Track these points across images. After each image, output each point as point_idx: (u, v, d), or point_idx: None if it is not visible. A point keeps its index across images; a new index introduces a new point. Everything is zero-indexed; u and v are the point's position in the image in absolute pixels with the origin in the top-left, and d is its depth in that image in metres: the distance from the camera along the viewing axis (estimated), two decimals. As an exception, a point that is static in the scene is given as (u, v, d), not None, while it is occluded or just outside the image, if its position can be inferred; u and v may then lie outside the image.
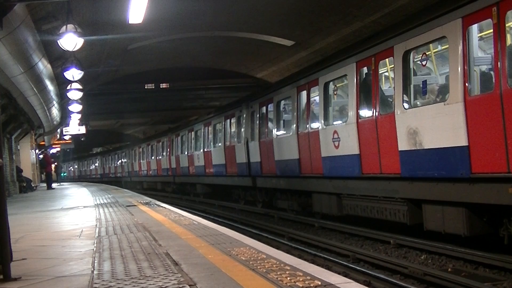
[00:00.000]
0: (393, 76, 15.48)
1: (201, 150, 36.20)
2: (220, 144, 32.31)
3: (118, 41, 30.90)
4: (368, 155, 16.41)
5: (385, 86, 17.33)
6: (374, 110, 16.00)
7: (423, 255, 14.08)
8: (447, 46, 13.41)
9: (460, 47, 12.53)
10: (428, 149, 13.68)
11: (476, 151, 12.17)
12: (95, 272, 7.36)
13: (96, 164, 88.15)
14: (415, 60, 15.37)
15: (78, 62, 24.83)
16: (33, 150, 50.45)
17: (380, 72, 16.56)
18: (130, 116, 60.90)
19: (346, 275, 11.48)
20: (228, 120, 30.78)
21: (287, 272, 6.56)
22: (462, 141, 12.46)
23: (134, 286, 6.33)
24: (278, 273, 6.56)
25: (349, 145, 17.30)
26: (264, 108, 25.36)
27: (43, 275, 7.42)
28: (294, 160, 21.50)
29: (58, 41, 20.10)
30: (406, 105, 14.60)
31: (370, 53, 16.29)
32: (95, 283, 6.61)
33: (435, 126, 13.37)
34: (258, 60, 39.93)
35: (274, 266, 7.01)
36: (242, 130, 27.94)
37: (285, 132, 23.09)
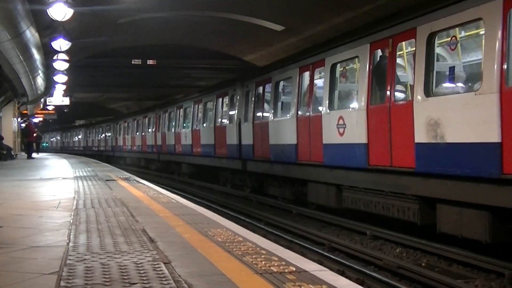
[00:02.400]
0: (412, 61, 14.14)
1: (189, 129, 34.90)
2: (210, 124, 30.94)
3: (108, 14, 30.70)
4: (377, 146, 15.12)
5: (402, 71, 16.03)
6: (388, 97, 14.67)
7: (398, 248, 14.13)
8: (483, 29, 12.15)
9: (499, 31, 11.18)
10: (451, 143, 12.38)
11: (510, 149, 10.96)
12: (71, 244, 7.36)
13: (80, 136, 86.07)
14: (442, 43, 14.22)
15: (67, 33, 24.75)
16: (15, 119, 50.23)
17: (397, 55, 15.08)
18: (116, 90, 60.88)
19: (321, 263, 11.48)
20: (220, 99, 29.53)
21: (263, 257, 6.57)
22: (494, 137, 11.18)
23: (109, 260, 6.33)
24: (254, 256, 6.57)
25: (356, 133, 16.02)
26: (260, 88, 24.01)
27: (18, 244, 7.42)
28: (291, 146, 20.21)
29: (47, 10, 20.01)
30: (427, 93, 13.18)
31: (387, 34, 14.87)
32: (70, 255, 6.60)
33: (461, 118, 12.05)
34: (247, 43, 39.85)
35: (250, 249, 7.02)
36: (235, 110, 26.60)
37: (283, 115, 21.73)
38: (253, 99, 24.55)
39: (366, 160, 15.55)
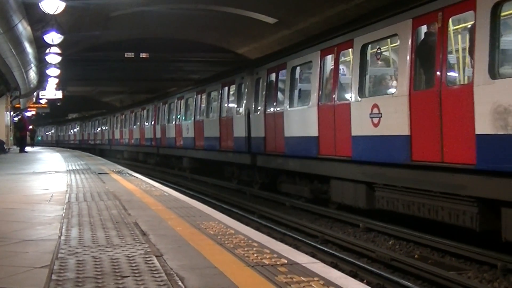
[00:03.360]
0: (471, 37, 12.12)
1: (192, 121, 32.43)
2: (214, 115, 28.74)
3: (100, 7, 30.63)
4: (423, 138, 12.95)
5: (456, 50, 13.66)
6: (439, 80, 12.49)
7: (391, 240, 14.12)
8: None
9: None
10: None
11: None
12: (63, 237, 7.35)
13: (75, 130, 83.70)
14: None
15: (59, 26, 24.69)
16: (7, 112, 50.12)
17: (449, 31, 12.88)
18: (108, 84, 60.78)
19: (313, 256, 11.48)
20: (226, 88, 27.25)
21: (255, 249, 6.57)
22: None
23: (100, 254, 6.32)
24: (246, 249, 6.57)
25: (395, 123, 13.86)
26: (273, 75, 21.76)
27: (10, 238, 7.40)
28: (311, 138, 18.02)
29: (39, 3, 19.94)
30: (493, 75, 11.04)
31: (436, 7, 12.70)
32: (62, 249, 6.59)
33: None
34: (240, 36, 39.81)
35: (242, 242, 7.02)
36: (244, 100, 24.45)
37: (301, 104, 19.58)
38: (264, 87, 22.40)
39: (408, 154, 13.41)
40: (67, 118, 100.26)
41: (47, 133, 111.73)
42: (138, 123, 48.32)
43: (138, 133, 47.65)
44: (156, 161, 43.79)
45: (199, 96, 31.52)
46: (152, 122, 43.16)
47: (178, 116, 36.21)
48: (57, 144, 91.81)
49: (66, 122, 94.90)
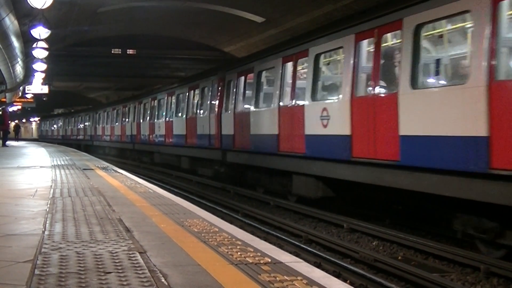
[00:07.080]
0: None
1: (275, 105, 19.20)
2: (362, 90, 14.66)
3: (88, 3, 30.61)
4: None
5: None
6: None
7: (375, 241, 14.13)
8: None
9: None
10: None
11: None
12: (46, 232, 7.32)
13: (87, 124, 64.93)
14: None
15: (46, 21, 24.63)
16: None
17: None
18: (95, 79, 60.63)
19: (297, 255, 11.50)
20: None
21: (238, 247, 6.57)
22: None
23: (84, 249, 6.30)
24: (229, 247, 6.56)
25: None
26: None
27: (-7, 232, 7.38)
28: None
29: (27, -3, 19.90)
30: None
31: None
32: (45, 244, 6.57)
33: None
34: (227, 34, 39.83)
35: (226, 240, 7.01)
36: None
37: None
38: None
39: None
40: (77, 109, 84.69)
41: (52, 127, 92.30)
42: (183, 111, 31.38)
43: (184, 125, 30.80)
44: (216, 172, 27.15)
45: (297, 62, 18.24)
46: (215, 105, 25.98)
47: (247, 99, 22.30)
48: (63, 140, 75.53)
49: (75, 114, 75.14)
